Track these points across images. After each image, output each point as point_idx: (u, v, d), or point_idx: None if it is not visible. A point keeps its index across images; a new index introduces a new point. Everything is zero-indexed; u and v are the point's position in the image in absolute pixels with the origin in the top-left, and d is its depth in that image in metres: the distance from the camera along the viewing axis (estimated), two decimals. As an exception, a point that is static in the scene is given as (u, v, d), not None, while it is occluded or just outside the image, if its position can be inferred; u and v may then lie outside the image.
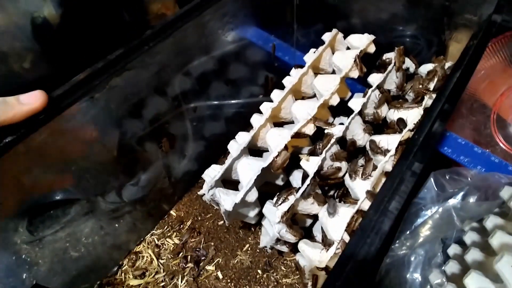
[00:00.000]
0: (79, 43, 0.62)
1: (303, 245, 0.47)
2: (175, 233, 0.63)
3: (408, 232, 0.50)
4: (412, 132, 0.50)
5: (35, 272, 0.50)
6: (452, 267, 0.44)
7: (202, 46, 0.59)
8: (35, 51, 0.55)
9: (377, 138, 0.53)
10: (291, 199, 0.46)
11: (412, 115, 0.53)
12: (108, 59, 0.44)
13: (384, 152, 0.50)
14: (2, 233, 0.49)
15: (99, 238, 0.57)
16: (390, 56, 0.61)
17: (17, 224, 0.51)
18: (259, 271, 0.59)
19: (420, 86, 0.56)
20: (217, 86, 0.67)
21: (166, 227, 0.64)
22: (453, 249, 0.49)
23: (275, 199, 0.49)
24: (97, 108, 0.46)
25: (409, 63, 0.62)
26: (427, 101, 0.53)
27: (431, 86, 0.55)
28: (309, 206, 0.49)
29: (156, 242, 0.62)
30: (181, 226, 0.64)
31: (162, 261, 0.60)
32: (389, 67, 0.58)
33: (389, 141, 0.51)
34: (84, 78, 0.42)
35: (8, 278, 0.48)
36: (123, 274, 0.59)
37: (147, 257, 0.61)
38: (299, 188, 0.47)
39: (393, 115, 0.56)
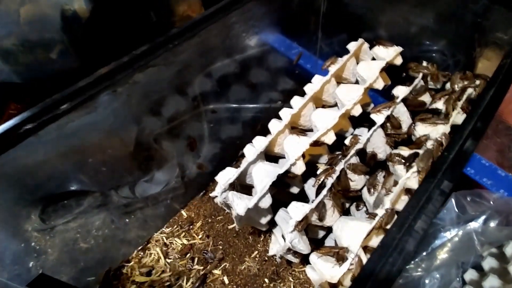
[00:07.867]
0: (106, 37, 0.63)
1: (315, 257, 0.46)
2: (184, 233, 0.63)
3: (424, 254, 0.48)
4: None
5: (43, 261, 0.50)
6: (469, 293, 0.42)
7: (225, 48, 0.59)
8: (63, 42, 0.56)
9: (399, 152, 0.51)
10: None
11: (438, 131, 0.51)
12: (133, 54, 0.44)
13: (405, 164, 0.49)
14: (14, 219, 0.49)
15: (109, 232, 0.57)
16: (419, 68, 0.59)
17: (30, 211, 0.51)
18: (266, 280, 0.58)
19: (448, 101, 0.55)
20: (236, 89, 0.67)
21: (175, 226, 0.64)
22: (470, 275, 0.47)
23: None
24: (118, 102, 0.46)
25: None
26: (455, 117, 0.51)
27: (459, 103, 0.53)
28: (324, 217, 0.48)
29: (165, 240, 0.62)
30: (191, 226, 0.64)
31: (169, 261, 0.60)
32: (416, 81, 0.57)
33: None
34: (108, 72, 0.42)
35: (14, 265, 0.47)
36: (129, 269, 0.59)
37: (154, 255, 0.60)
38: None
39: (418, 129, 0.54)
